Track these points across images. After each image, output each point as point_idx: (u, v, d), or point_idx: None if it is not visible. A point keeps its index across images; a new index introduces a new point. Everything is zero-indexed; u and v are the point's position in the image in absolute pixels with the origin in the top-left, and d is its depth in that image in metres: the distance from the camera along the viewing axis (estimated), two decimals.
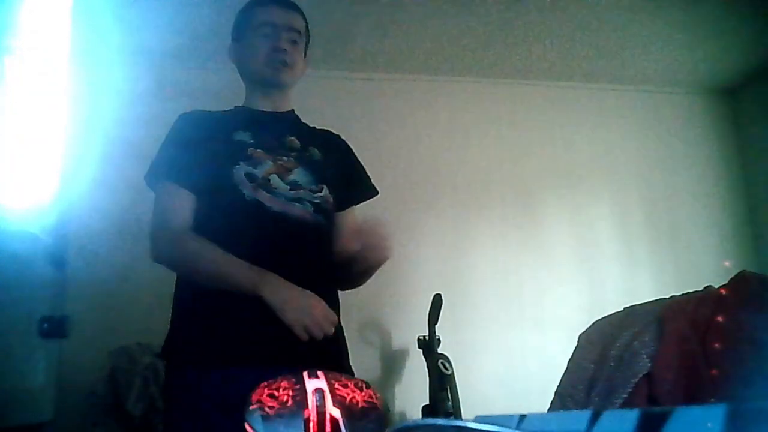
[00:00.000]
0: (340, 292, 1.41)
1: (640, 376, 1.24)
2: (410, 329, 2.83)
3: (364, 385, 0.68)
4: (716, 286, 1.36)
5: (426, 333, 2.70)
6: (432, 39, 3.09)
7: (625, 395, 1.23)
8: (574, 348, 1.49)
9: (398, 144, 3.30)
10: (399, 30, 3.00)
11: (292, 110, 1.49)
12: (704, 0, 2.85)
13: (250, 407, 0.64)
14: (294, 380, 0.66)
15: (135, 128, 2.36)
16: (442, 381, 2.58)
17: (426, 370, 2.66)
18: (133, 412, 2.27)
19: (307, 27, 1.46)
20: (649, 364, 1.25)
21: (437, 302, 2.70)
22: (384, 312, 3.08)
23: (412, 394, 2.83)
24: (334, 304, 1.33)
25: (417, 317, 2.76)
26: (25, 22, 1.93)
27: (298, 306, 1.18)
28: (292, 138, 1.41)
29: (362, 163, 1.53)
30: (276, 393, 0.64)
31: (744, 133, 3.63)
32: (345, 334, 1.38)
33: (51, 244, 1.98)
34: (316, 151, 1.42)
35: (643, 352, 1.27)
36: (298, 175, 1.35)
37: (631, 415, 0.32)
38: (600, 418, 0.33)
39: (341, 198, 1.44)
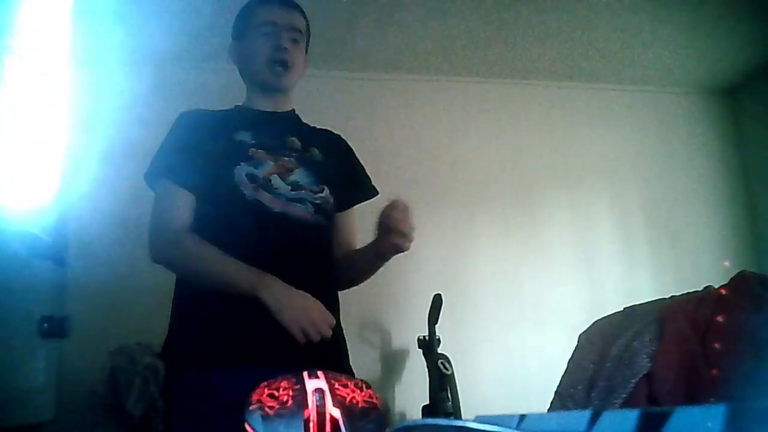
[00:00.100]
0: (340, 292, 1.41)
1: (640, 376, 1.24)
2: (410, 329, 2.83)
3: (364, 385, 0.68)
4: (716, 286, 1.36)
5: (426, 333, 2.70)
6: (432, 39, 3.09)
7: (625, 395, 1.23)
8: (574, 348, 1.48)
9: (398, 144, 3.30)
10: (399, 30, 3.00)
11: (293, 110, 1.49)
12: (704, 0, 2.86)
13: (250, 407, 0.64)
14: (294, 380, 0.66)
15: (135, 128, 2.36)
16: (442, 381, 2.58)
17: (426, 370, 2.66)
18: (133, 412, 2.27)
19: (308, 26, 1.46)
20: (649, 364, 1.24)
21: (437, 302, 2.70)
22: (384, 312, 3.08)
23: (412, 394, 2.83)
24: (334, 305, 1.33)
25: (417, 317, 2.76)
26: (25, 22, 1.93)
27: (295, 308, 1.18)
28: (293, 138, 1.40)
29: (362, 164, 1.53)
30: (276, 393, 0.64)
31: (744, 133, 3.63)
32: (345, 334, 1.38)
33: (51, 244, 1.99)
34: (317, 151, 1.42)
35: (643, 352, 1.27)
36: (299, 175, 1.35)
37: (631, 415, 0.32)
38: (600, 418, 0.33)
39: (342, 198, 1.44)
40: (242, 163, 1.30)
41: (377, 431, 0.63)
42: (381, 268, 1.42)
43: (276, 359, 1.11)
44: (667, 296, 1.45)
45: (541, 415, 0.37)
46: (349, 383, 0.67)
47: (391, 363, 3.05)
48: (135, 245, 1.46)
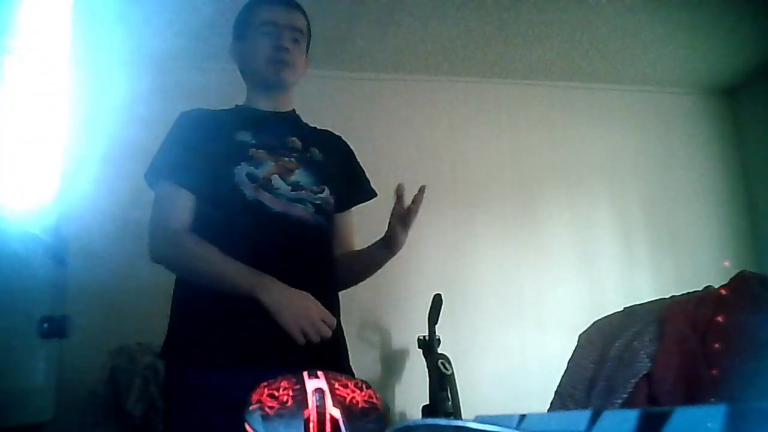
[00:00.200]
0: (340, 292, 1.41)
1: (640, 376, 1.24)
2: (410, 329, 2.83)
3: (364, 385, 0.68)
4: (716, 286, 1.36)
5: (426, 333, 2.70)
6: (432, 39, 3.09)
7: (625, 395, 1.23)
8: (574, 348, 1.49)
9: (398, 144, 3.30)
10: (399, 30, 3.00)
11: (294, 110, 1.49)
12: (704, 0, 2.86)
13: (250, 407, 0.64)
14: (294, 380, 0.66)
15: (135, 128, 2.36)
16: (442, 381, 2.58)
17: (426, 370, 2.66)
18: (133, 412, 2.27)
19: (308, 26, 1.46)
20: (649, 364, 1.25)
21: (437, 302, 2.70)
22: (384, 312, 3.08)
23: (412, 394, 2.83)
24: (334, 305, 1.33)
25: (417, 317, 2.76)
26: (25, 22, 1.93)
27: (295, 309, 1.18)
28: (294, 138, 1.40)
29: (362, 165, 1.54)
30: (276, 393, 0.64)
31: (744, 133, 3.64)
32: (345, 334, 1.38)
33: (51, 244, 1.99)
34: (318, 151, 1.42)
35: (643, 352, 1.27)
36: (299, 175, 1.35)
37: (631, 415, 0.32)
38: (600, 418, 0.33)
39: (341, 199, 1.44)
40: (243, 163, 1.30)
41: (377, 431, 0.63)
42: (381, 269, 1.43)
43: (276, 359, 1.11)
44: (667, 296, 1.45)
45: (541, 415, 0.37)
46: (349, 383, 0.67)
47: (391, 363, 3.05)
48: (135, 245, 1.46)
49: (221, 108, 1.44)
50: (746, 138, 3.62)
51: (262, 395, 0.65)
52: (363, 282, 1.48)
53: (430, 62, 3.31)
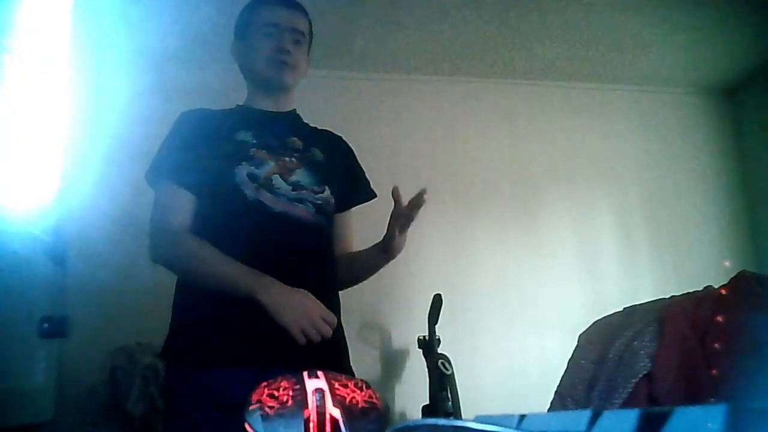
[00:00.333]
0: (341, 292, 1.41)
1: (640, 376, 1.24)
2: (410, 329, 2.83)
3: (364, 385, 0.68)
4: (716, 286, 1.36)
5: (426, 333, 2.70)
6: (432, 39, 3.09)
7: (625, 395, 1.23)
8: (574, 348, 1.49)
9: (398, 144, 3.30)
10: (399, 30, 3.00)
11: (294, 110, 1.49)
12: (704, 0, 2.86)
13: (250, 407, 0.64)
14: (294, 380, 0.66)
15: (136, 128, 2.36)
16: (442, 381, 2.58)
17: (426, 370, 2.66)
18: (133, 412, 2.27)
19: (310, 27, 1.46)
20: (650, 364, 1.24)
21: (437, 302, 2.69)
22: (384, 312, 3.08)
23: (412, 394, 2.83)
24: (335, 305, 1.33)
25: (417, 317, 2.76)
26: (25, 22, 1.93)
27: (295, 309, 1.18)
28: (295, 138, 1.40)
29: (362, 166, 1.54)
30: (276, 393, 0.64)
31: (744, 133, 3.63)
32: (345, 334, 1.38)
33: (51, 245, 1.99)
34: (318, 151, 1.42)
35: (643, 352, 1.27)
36: (300, 175, 1.35)
37: (631, 415, 0.32)
38: (600, 418, 0.33)
39: (341, 199, 1.44)
40: (243, 163, 1.30)
41: (377, 431, 0.63)
42: (381, 269, 1.43)
43: (276, 359, 1.11)
44: (667, 296, 1.45)
45: (541, 415, 0.37)
46: (349, 383, 0.67)
47: (391, 363, 3.05)
48: (135, 245, 1.46)
49: (222, 108, 1.44)
50: (746, 138, 3.62)
51: (262, 395, 0.65)
52: (363, 282, 1.48)
53: (430, 62, 3.31)
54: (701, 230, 3.49)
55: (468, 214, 3.31)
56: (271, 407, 0.63)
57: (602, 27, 3.03)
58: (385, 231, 1.33)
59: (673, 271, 3.34)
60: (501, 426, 0.36)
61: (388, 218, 1.32)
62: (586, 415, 0.34)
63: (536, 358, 3.04)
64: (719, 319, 1.23)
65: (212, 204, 1.30)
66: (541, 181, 3.44)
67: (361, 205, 1.52)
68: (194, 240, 1.26)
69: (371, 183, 1.54)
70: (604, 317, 1.50)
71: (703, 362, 1.20)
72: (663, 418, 0.30)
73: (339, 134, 1.53)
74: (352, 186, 1.49)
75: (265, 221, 1.28)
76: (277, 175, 1.32)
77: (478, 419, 0.37)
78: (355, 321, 2.91)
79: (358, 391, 0.66)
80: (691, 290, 1.43)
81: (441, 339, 2.71)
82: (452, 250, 3.24)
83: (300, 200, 1.32)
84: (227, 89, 1.54)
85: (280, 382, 0.66)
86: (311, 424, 0.61)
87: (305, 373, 0.67)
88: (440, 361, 2.63)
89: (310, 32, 1.46)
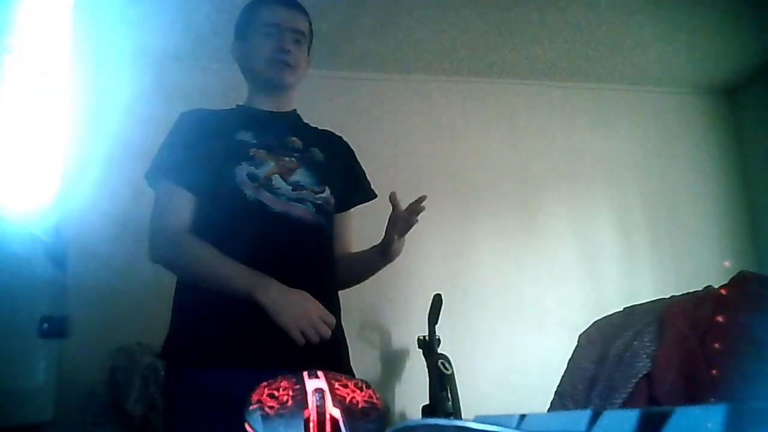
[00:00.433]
0: (341, 292, 1.41)
1: (640, 376, 1.24)
2: (410, 329, 2.83)
3: (364, 385, 0.68)
4: (716, 286, 1.36)
5: (426, 333, 2.70)
6: (432, 39, 3.09)
7: (625, 395, 1.23)
8: (574, 348, 1.49)
9: (398, 144, 3.30)
10: (399, 30, 3.00)
11: (295, 110, 1.49)
12: (704, 0, 2.86)
13: (250, 407, 0.64)
14: (294, 380, 0.66)
15: (136, 128, 2.36)
16: (442, 381, 2.58)
17: (426, 370, 2.66)
18: (133, 412, 2.27)
19: (311, 27, 1.46)
20: (649, 364, 1.24)
21: (437, 302, 2.70)
22: (384, 312, 3.08)
23: (412, 394, 2.83)
24: (335, 305, 1.33)
25: (417, 317, 2.76)
26: (25, 21, 1.93)
27: (294, 310, 1.18)
28: (295, 138, 1.40)
29: (362, 166, 1.54)
30: (276, 393, 0.64)
31: (744, 133, 3.63)
32: (345, 334, 1.38)
33: (51, 245, 1.99)
34: (318, 151, 1.42)
35: (643, 352, 1.27)
36: (300, 175, 1.35)
37: (631, 415, 0.32)
38: (600, 418, 0.33)
39: (341, 200, 1.44)
40: (243, 163, 1.30)
41: (377, 431, 0.63)
42: (379, 271, 1.43)
43: (276, 359, 1.11)
44: (667, 296, 1.45)
45: (541, 415, 0.37)
46: (349, 383, 0.67)
47: (391, 363, 3.05)
48: (135, 245, 1.46)
49: (222, 108, 1.44)
50: (746, 138, 3.62)
51: (262, 395, 0.65)
52: (363, 282, 1.48)
53: (430, 62, 3.31)
54: (701, 230, 3.49)
55: (468, 214, 3.31)
56: (271, 407, 0.63)
57: (602, 27, 3.03)
58: (384, 235, 1.33)
59: (673, 271, 3.33)
60: (501, 426, 0.36)
61: (387, 222, 1.32)
62: (586, 415, 0.34)
63: (536, 358, 3.04)
64: (719, 319, 1.23)
65: (212, 204, 1.30)
66: (541, 182, 3.44)
67: (361, 206, 1.53)
68: (194, 240, 1.26)
69: (371, 183, 1.54)
70: (604, 317, 1.50)
71: (703, 362, 1.20)
72: (663, 418, 0.30)
73: (339, 134, 1.53)
74: (353, 186, 1.49)
75: (265, 221, 1.28)
76: (277, 175, 1.32)
77: (478, 419, 0.37)
78: (355, 321, 2.91)
79: (358, 391, 0.66)
80: (691, 290, 1.43)
81: (441, 339, 2.71)
82: (452, 251, 3.24)
83: (300, 200, 1.32)
84: (227, 89, 1.54)
85: (280, 382, 0.66)
86: (311, 424, 0.61)
87: (305, 373, 0.67)
88: (440, 361, 2.63)
89: (311, 32, 1.46)
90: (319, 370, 0.68)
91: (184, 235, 1.27)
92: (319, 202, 1.35)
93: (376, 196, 1.52)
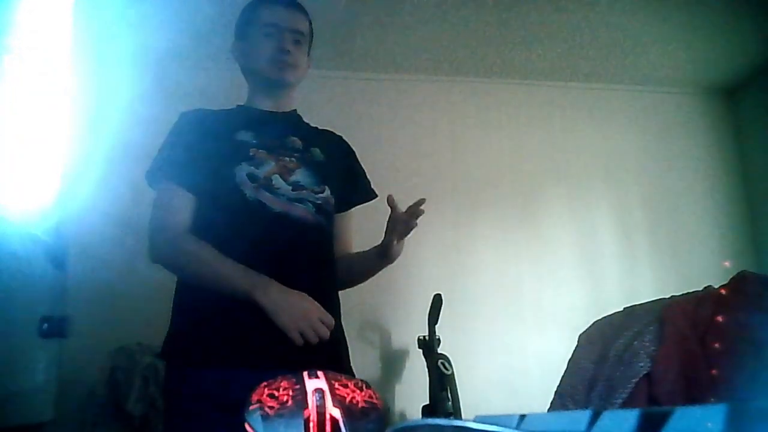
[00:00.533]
0: (341, 293, 1.41)
1: (640, 376, 1.24)
2: (410, 329, 2.83)
3: (364, 385, 0.68)
4: (716, 286, 1.36)
5: (426, 333, 2.70)
6: (432, 39, 3.09)
7: (625, 395, 1.23)
8: (574, 348, 1.49)
9: (398, 144, 3.30)
10: (399, 30, 3.00)
11: (295, 110, 1.49)
12: (704, 0, 2.86)
13: (250, 407, 0.64)
14: (294, 380, 0.66)
15: (136, 128, 2.36)
16: (442, 381, 2.58)
17: (426, 370, 2.66)
18: (133, 412, 2.27)
19: (311, 27, 1.46)
20: (649, 364, 1.25)
21: (437, 302, 2.70)
22: (384, 312, 3.08)
23: (412, 394, 2.83)
24: (335, 306, 1.33)
25: (417, 317, 2.76)
26: (25, 21, 1.93)
27: (293, 310, 1.18)
28: (295, 138, 1.40)
29: (362, 166, 1.54)
30: (276, 393, 0.64)
31: (744, 133, 3.63)
32: (345, 334, 1.38)
33: (51, 245, 1.98)
34: (319, 151, 1.42)
35: (643, 352, 1.27)
36: (300, 175, 1.35)
37: (631, 415, 0.32)
38: (600, 418, 0.33)
39: (342, 200, 1.44)
40: (243, 163, 1.30)
41: (377, 431, 0.63)
42: (379, 272, 1.43)
43: (276, 359, 1.11)
44: (667, 296, 1.45)
45: (541, 415, 0.36)
46: (349, 383, 0.67)
47: (391, 363, 3.05)
48: (135, 245, 1.46)
49: (222, 108, 1.44)
50: (746, 138, 3.62)
51: (262, 395, 0.65)
52: (363, 282, 1.48)
53: (430, 62, 3.31)
54: (701, 230, 3.49)
55: (468, 214, 3.31)
56: (271, 407, 0.63)
57: (602, 27, 3.03)
58: (383, 238, 1.33)
59: (673, 271, 3.33)
60: (501, 426, 0.36)
61: (386, 224, 1.32)
62: (586, 415, 0.34)
63: (536, 358, 3.04)
64: (719, 319, 1.23)
65: (212, 204, 1.30)
66: (541, 181, 3.44)
67: (361, 206, 1.52)
68: (194, 240, 1.26)
69: (371, 183, 1.54)
70: (604, 317, 1.50)
71: (703, 362, 1.20)
72: (663, 418, 0.30)
73: (339, 134, 1.53)
74: (353, 186, 1.49)
75: (265, 221, 1.28)
76: (277, 175, 1.32)
77: (478, 419, 0.37)
78: (355, 321, 2.91)
79: (358, 391, 0.66)
80: (691, 290, 1.43)
81: (441, 339, 2.71)
82: (452, 251, 3.24)
83: (300, 200, 1.32)
84: (227, 89, 1.54)
85: (280, 382, 0.66)
86: (311, 424, 0.61)
87: (305, 373, 0.67)
88: (440, 361, 2.63)
89: (311, 32, 1.46)
90: (319, 370, 0.68)
91: (184, 235, 1.27)
92: (319, 202, 1.35)
93: (376, 196, 1.52)
